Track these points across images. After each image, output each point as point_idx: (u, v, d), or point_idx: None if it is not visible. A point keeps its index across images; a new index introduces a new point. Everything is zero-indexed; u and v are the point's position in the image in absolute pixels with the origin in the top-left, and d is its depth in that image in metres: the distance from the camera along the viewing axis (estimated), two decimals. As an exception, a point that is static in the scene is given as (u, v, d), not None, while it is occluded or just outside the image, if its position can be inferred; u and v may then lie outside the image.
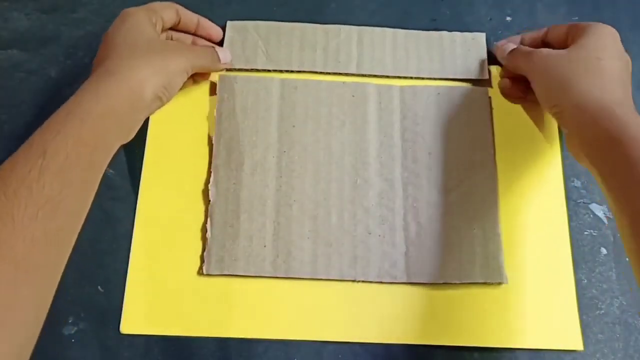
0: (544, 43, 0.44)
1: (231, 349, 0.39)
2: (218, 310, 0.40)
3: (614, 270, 0.42)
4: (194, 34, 0.46)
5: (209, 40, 0.47)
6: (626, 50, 0.39)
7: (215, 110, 0.45)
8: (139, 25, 0.40)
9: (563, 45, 0.41)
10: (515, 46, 0.44)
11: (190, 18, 0.45)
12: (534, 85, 0.41)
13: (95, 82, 0.36)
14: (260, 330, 0.40)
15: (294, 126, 0.44)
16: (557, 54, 0.40)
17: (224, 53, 0.45)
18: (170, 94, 0.39)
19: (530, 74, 0.42)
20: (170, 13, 0.43)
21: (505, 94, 0.45)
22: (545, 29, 0.44)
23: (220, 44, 0.47)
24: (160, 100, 0.39)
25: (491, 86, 0.46)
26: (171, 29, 0.44)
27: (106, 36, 0.40)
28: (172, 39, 0.45)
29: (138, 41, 0.39)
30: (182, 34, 0.45)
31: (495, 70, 0.47)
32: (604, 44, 0.39)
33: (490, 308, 0.40)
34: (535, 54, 0.41)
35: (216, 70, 0.45)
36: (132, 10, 0.41)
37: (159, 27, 0.42)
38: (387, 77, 0.46)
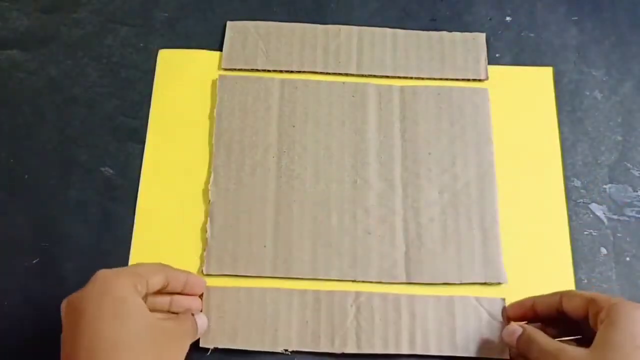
0: (559, 313, 0.36)
1: (230, 353, 0.39)
2: (218, 310, 0.40)
3: (614, 270, 0.42)
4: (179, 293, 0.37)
5: (192, 295, 0.38)
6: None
7: (215, 110, 0.45)
8: (127, 302, 0.30)
9: (583, 320, 0.34)
10: (520, 330, 0.36)
11: (178, 280, 0.36)
12: None
13: None
14: (260, 330, 0.40)
15: (293, 126, 0.44)
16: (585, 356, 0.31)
17: (201, 322, 0.37)
18: None
19: None
20: (158, 280, 0.34)
21: None
22: (559, 295, 0.36)
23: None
24: None
25: (491, 86, 0.46)
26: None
27: (80, 310, 0.30)
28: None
29: (134, 330, 0.30)
30: (158, 296, 0.36)
31: (495, 70, 0.47)
32: (635, 340, 0.31)
33: (490, 308, 0.40)
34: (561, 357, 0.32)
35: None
36: (115, 277, 0.31)
37: (143, 295, 0.32)
38: (387, 77, 0.46)
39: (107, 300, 0.30)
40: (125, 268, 0.33)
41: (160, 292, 0.35)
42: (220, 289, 0.40)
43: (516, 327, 0.36)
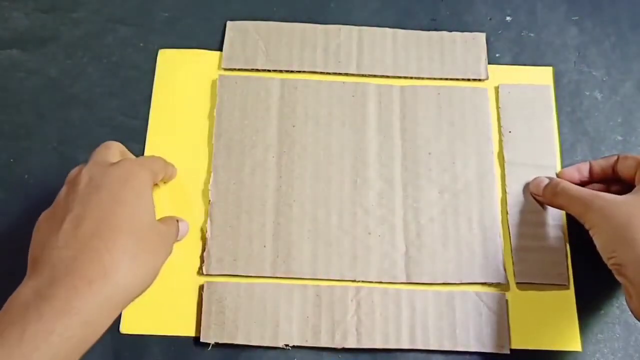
0: (615, 174, 0.39)
1: (231, 348, 0.39)
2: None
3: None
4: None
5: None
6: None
7: (215, 110, 0.45)
8: (144, 195, 0.32)
9: (631, 181, 0.37)
10: (547, 180, 0.41)
11: (171, 175, 0.41)
12: (592, 233, 0.36)
13: (86, 290, 0.28)
14: (260, 330, 0.40)
15: (294, 126, 0.44)
16: (620, 200, 0.34)
17: (183, 228, 0.39)
18: None
19: (585, 222, 0.36)
20: (161, 176, 0.38)
21: None
22: (615, 158, 0.39)
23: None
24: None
25: (491, 86, 0.46)
26: None
27: (99, 184, 0.31)
28: None
29: (142, 224, 0.31)
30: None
31: (495, 70, 0.47)
32: None
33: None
34: (595, 203, 0.35)
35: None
36: (137, 168, 0.33)
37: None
38: (387, 77, 0.46)
39: (127, 188, 0.31)
40: (144, 161, 0.35)
41: None
42: (221, 284, 0.40)
43: (543, 178, 0.41)
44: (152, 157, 0.38)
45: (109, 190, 0.31)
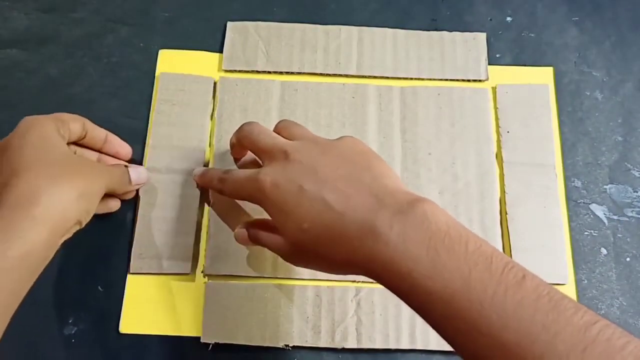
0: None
1: (231, 349, 0.39)
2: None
3: (614, 270, 0.42)
4: (100, 151, 0.41)
5: (117, 157, 0.42)
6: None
7: (215, 112, 0.44)
8: (49, 137, 0.34)
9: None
10: (203, 169, 0.40)
11: (98, 134, 0.40)
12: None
13: (6, 218, 0.30)
14: (260, 330, 0.40)
15: (294, 127, 0.44)
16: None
17: (136, 172, 0.40)
18: (89, 218, 0.35)
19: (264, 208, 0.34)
20: (77, 126, 0.38)
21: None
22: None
23: (131, 161, 0.42)
24: (80, 225, 0.34)
25: (491, 86, 0.46)
26: (75, 143, 0.39)
27: (6, 146, 0.34)
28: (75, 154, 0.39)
29: (53, 156, 0.34)
30: (86, 150, 0.40)
31: (495, 70, 0.47)
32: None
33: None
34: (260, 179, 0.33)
35: (126, 192, 0.40)
36: (39, 118, 0.35)
37: (66, 141, 0.36)
38: (387, 77, 0.46)
39: (31, 135, 0.34)
40: (48, 115, 0.36)
41: (81, 144, 0.39)
42: (221, 284, 0.40)
43: (200, 168, 0.41)
44: (60, 113, 0.38)
45: (16, 143, 0.34)
